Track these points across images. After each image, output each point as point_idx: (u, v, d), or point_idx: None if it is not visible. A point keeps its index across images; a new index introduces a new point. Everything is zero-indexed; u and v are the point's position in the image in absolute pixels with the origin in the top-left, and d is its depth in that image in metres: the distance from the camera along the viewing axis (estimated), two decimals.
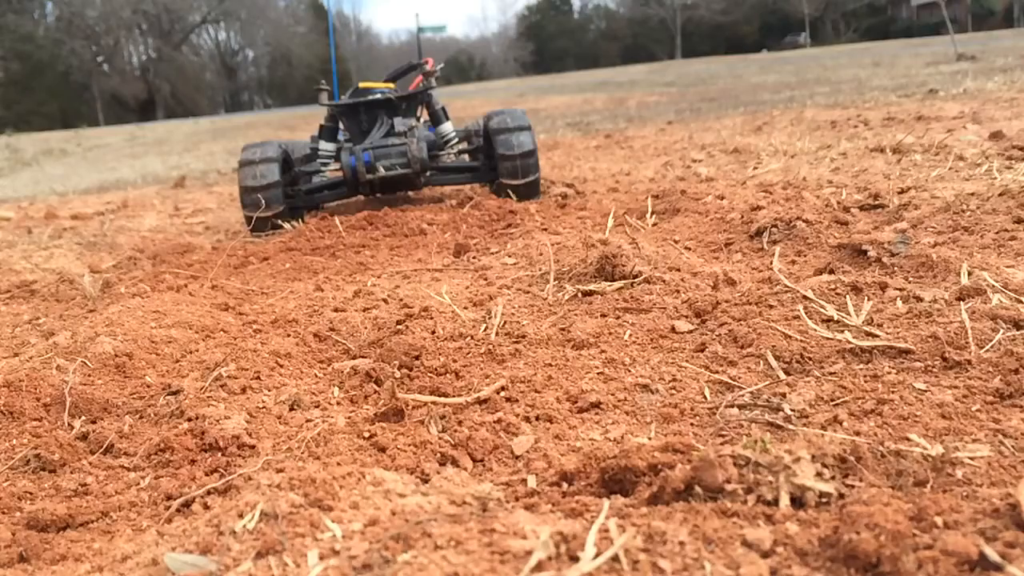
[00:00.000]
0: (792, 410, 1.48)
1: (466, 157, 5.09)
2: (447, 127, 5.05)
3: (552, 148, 8.09)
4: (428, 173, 4.67)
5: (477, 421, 1.58)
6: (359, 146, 4.55)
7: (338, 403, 1.80)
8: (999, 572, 0.89)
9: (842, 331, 1.81)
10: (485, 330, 2.13)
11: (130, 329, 2.17)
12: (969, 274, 2.07)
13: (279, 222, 4.47)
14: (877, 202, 3.22)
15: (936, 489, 1.14)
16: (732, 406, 1.55)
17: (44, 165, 14.24)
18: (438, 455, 1.46)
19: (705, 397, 1.63)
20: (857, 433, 1.34)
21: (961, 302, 1.88)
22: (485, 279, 2.77)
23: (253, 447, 1.55)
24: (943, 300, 1.92)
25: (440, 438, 1.53)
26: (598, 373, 1.81)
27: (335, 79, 6.01)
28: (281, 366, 2.01)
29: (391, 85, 5.31)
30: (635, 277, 2.38)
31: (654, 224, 3.49)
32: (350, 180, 4.55)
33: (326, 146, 4.91)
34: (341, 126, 5.01)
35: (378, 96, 4.92)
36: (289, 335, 2.25)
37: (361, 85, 5.23)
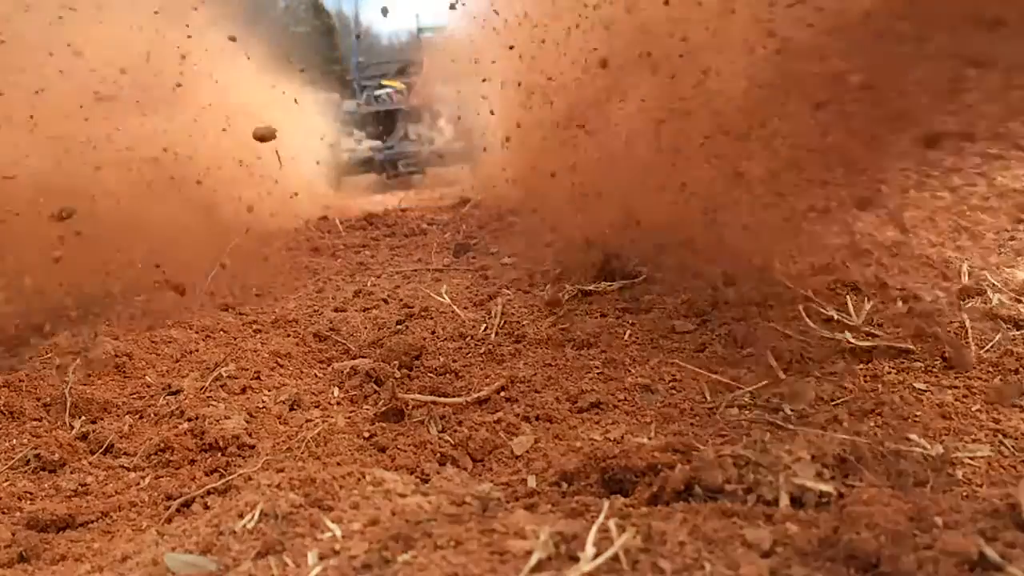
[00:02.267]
0: (792, 410, 1.48)
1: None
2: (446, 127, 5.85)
3: None
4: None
5: (477, 421, 1.58)
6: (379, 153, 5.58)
7: (338, 403, 1.80)
8: (999, 572, 0.89)
9: (842, 331, 1.80)
10: (485, 330, 2.13)
11: (131, 328, 2.17)
12: (969, 274, 2.07)
13: None
14: (877, 202, 3.21)
15: (936, 489, 1.14)
16: (732, 406, 1.55)
17: None
18: (438, 455, 1.46)
19: (705, 397, 1.63)
20: (857, 433, 1.34)
21: (961, 302, 1.88)
22: (485, 279, 2.77)
23: (253, 447, 1.55)
24: (943, 300, 1.92)
25: (440, 438, 1.53)
26: (598, 373, 1.81)
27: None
28: (281, 366, 2.01)
29: (400, 85, 6.22)
30: (635, 277, 2.38)
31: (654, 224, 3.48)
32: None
33: None
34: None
35: (394, 106, 5.99)
36: (289, 335, 2.25)
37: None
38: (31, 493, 1.43)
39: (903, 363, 1.63)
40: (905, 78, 1.46)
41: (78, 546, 1.26)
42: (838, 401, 1.50)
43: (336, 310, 2.48)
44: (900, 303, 1.96)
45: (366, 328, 2.25)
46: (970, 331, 1.69)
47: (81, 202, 2.18)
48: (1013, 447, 1.25)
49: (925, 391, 1.49)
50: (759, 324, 1.92)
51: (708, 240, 2.14)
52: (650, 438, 1.47)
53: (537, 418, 1.60)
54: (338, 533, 1.04)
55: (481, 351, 1.99)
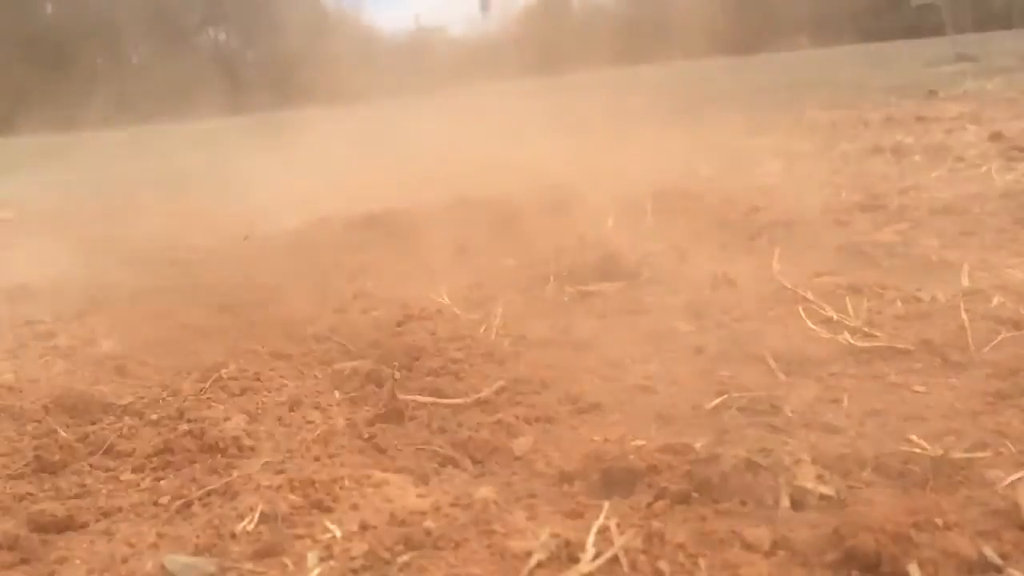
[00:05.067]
0: (792, 411, 1.48)
1: None
2: None
3: (552, 148, 8.07)
4: None
5: (477, 422, 1.58)
6: None
7: (338, 404, 1.80)
8: (999, 573, 0.89)
9: (842, 332, 1.80)
10: (485, 331, 2.13)
11: (130, 330, 2.17)
12: (969, 275, 2.07)
13: None
14: (877, 203, 3.22)
15: (936, 489, 1.14)
16: (732, 407, 1.55)
17: (45, 166, 14.24)
18: (438, 456, 1.46)
19: (705, 398, 1.63)
20: (857, 434, 1.34)
21: (961, 303, 1.87)
22: (485, 280, 2.76)
23: (253, 448, 1.55)
24: (943, 301, 1.92)
25: (440, 439, 1.53)
26: (598, 374, 1.81)
27: None
28: (281, 367, 2.01)
29: None
30: (635, 278, 2.38)
31: (654, 224, 3.48)
32: None
33: None
34: None
35: None
36: (289, 336, 2.25)
37: None
38: (31, 494, 1.43)
39: (903, 364, 1.63)
40: None
41: (78, 548, 1.26)
42: (838, 402, 1.50)
43: (336, 311, 2.48)
44: (900, 304, 1.96)
45: (366, 329, 2.25)
46: (970, 332, 1.69)
47: None
48: (1013, 447, 1.25)
49: (925, 391, 1.49)
50: (759, 324, 1.92)
51: None
52: (650, 439, 1.46)
53: (537, 419, 1.60)
54: (338, 534, 1.04)
55: (481, 352, 1.99)
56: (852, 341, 1.74)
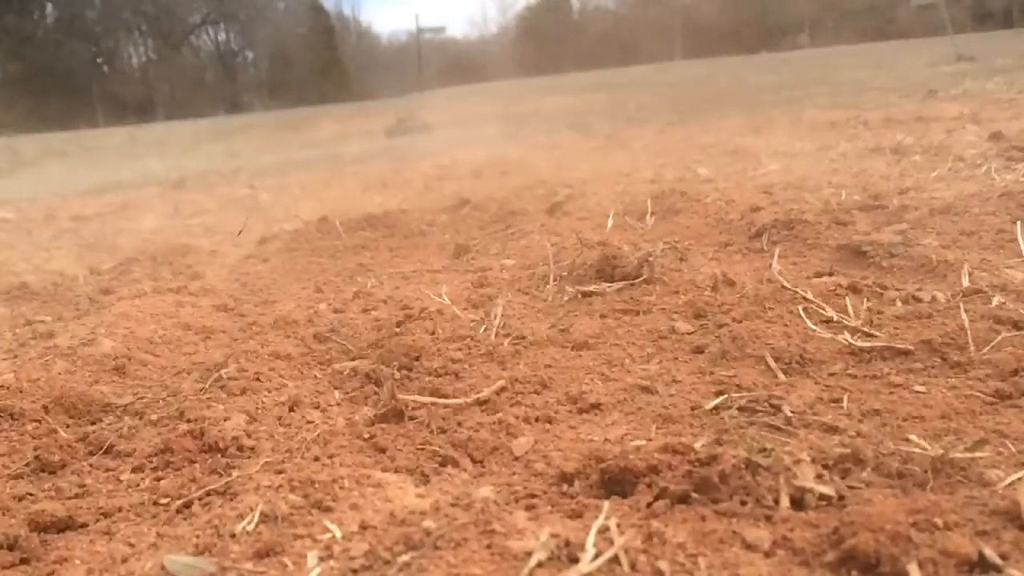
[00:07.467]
0: (792, 411, 1.48)
1: None
2: None
3: (552, 149, 8.09)
4: None
5: (477, 422, 1.58)
6: None
7: (338, 404, 1.80)
8: (999, 572, 0.89)
9: (842, 332, 1.80)
10: (485, 331, 2.13)
11: (130, 330, 2.17)
12: (969, 275, 2.07)
13: None
14: (877, 203, 3.22)
15: (936, 489, 1.14)
16: (732, 407, 1.55)
17: (44, 166, 14.24)
18: (438, 456, 1.46)
19: (705, 398, 1.63)
20: (857, 434, 1.34)
21: (961, 303, 1.88)
22: (485, 280, 2.77)
23: (253, 448, 1.55)
24: (943, 301, 1.92)
25: (440, 439, 1.53)
26: (598, 374, 1.81)
27: None
28: (281, 367, 2.01)
29: None
30: (635, 278, 2.38)
31: (654, 224, 3.49)
32: None
33: None
34: None
35: None
36: (289, 336, 2.25)
37: None
38: (31, 494, 1.43)
39: (903, 364, 1.63)
40: None
41: (78, 548, 1.26)
42: (838, 402, 1.50)
43: (336, 311, 2.48)
44: (899, 304, 1.96)
45: (366, 329, 2.25)
46: (970, 332, 1.69)
47: None
48: (1013, 447, 1.25)
49: (925, 392, 1.49)
50: (759, 324, 1.92)
51: None
52: (650, 439, 1.46)
53: (537, 419, 1.60)
54: (338, 534, 1.04)
55: (481, 352, 1.99)
56: (852, 341, 1.74)
